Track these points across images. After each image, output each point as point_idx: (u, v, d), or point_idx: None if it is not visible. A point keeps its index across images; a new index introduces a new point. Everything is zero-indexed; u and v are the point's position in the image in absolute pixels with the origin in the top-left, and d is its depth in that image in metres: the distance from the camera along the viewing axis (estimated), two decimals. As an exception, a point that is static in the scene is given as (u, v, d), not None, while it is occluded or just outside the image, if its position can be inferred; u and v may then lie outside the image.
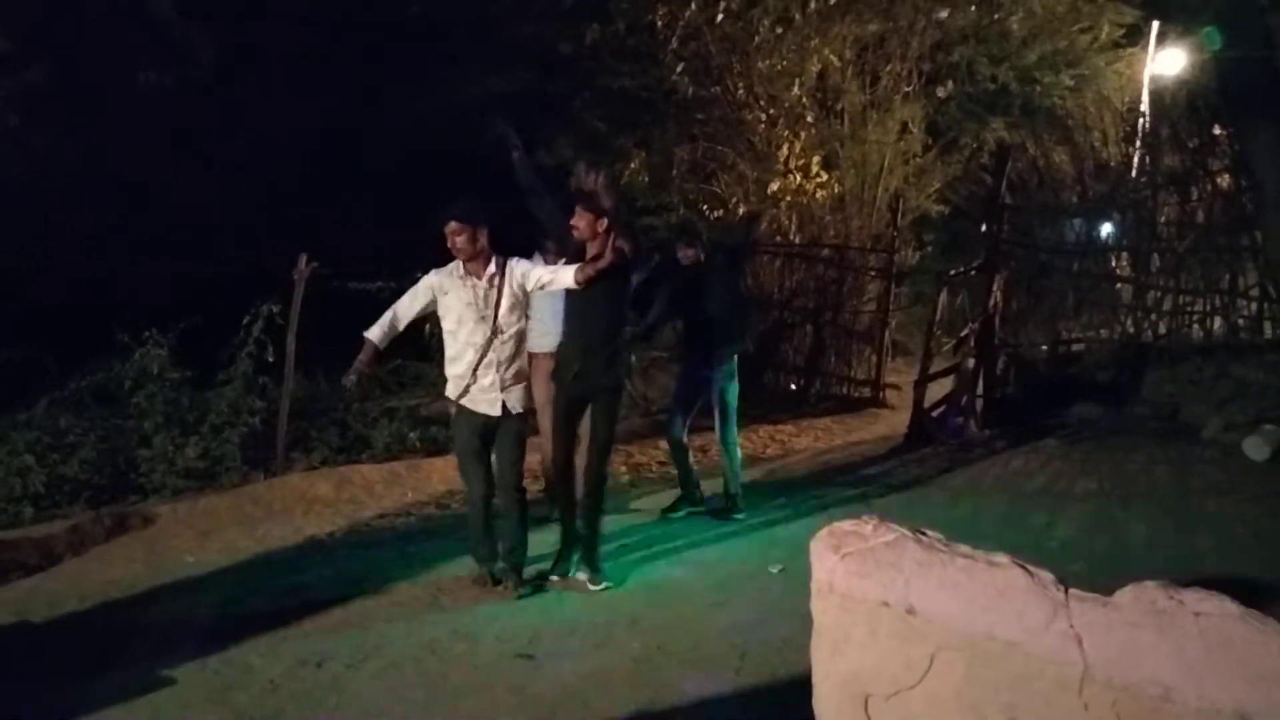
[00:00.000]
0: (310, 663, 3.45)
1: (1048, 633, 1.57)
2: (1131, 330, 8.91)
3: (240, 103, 11.00)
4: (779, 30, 10.72)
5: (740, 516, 5.48)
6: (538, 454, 5.59)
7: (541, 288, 4.20)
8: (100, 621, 3.90)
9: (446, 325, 4.19)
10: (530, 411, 4.45)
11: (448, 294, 4.13)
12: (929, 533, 1.84)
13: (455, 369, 4.18)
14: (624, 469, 7.05)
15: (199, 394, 6.15)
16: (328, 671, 3.39)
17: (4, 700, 3.15)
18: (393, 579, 4.39)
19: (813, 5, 10.56)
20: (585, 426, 4.40)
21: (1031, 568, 1.67)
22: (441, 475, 6.31)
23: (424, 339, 6.87)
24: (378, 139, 12.06)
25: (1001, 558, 1.71)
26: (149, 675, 3.29)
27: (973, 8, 11.19)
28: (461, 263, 4.12)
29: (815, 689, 1.89)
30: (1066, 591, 1.61)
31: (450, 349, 4.20)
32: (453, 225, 4.05)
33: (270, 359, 6.18)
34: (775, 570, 4.54)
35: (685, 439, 5.54)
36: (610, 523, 5.39)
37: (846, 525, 1.92)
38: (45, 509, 5.22)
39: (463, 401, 4.15)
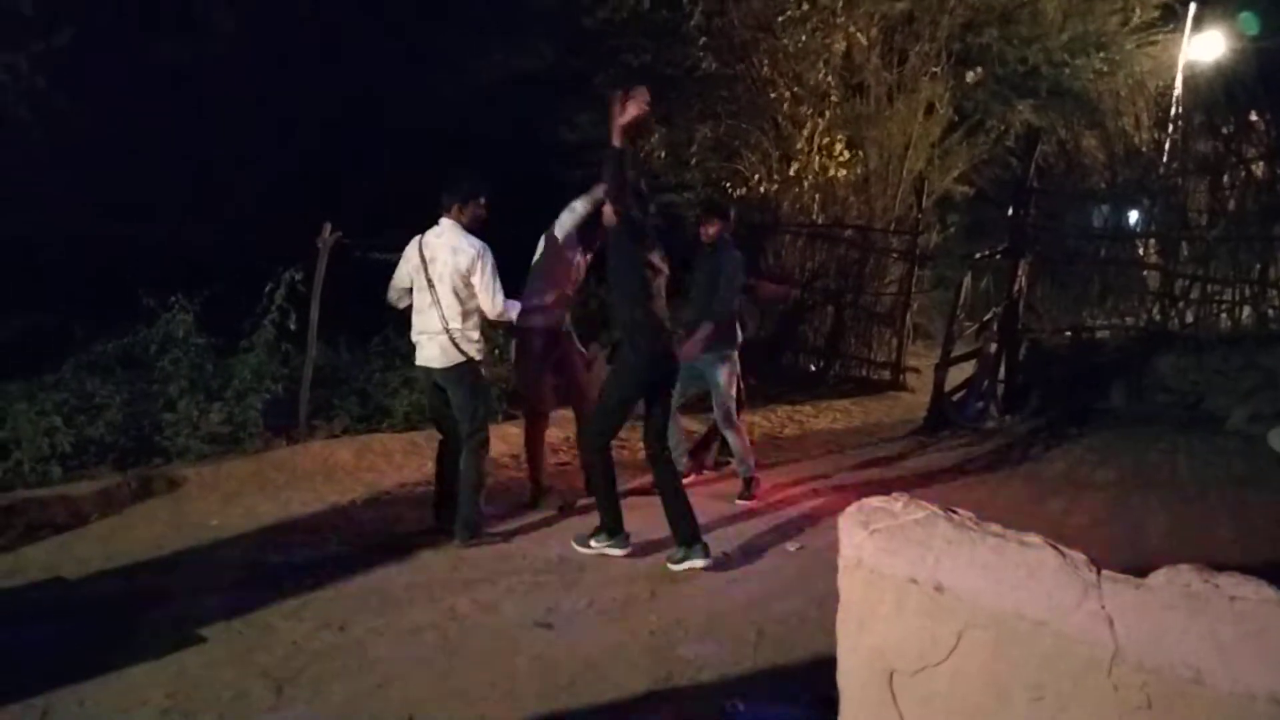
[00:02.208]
0: (333, 626, 3.50)
1: (1078, 613, 1.56)
2: (1158, 318, 8.79)
3: (263, 76, 11.02)
4: (805, 7, 10.59)
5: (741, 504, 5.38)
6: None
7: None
8: (128, 580, 3.96)
9: (495, 294, 4.35)
10: None
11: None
12: (959, 511, 1.84)
13: (478, 331, 4.43)
14: (641, 443, 7.07)
15: (223, 360, 6.21)
16: (350, 635, 3.43)
17: (36, 655, 3.22)
18: (414, 547, 4.43)
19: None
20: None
21: (1063, 548, 1.66)
22: (459, 447, 6.34)
23: None
24: (401, 112, 12.06)
25: (1033, 537, 1.70)
26: (176, 634, 3.35)
27: (1006, -14, 11.03)
28: (470, 231, 4.38)
29: (840, 663, 1.90)
30: (1098, 572, 1.60)
31: (475, 311, 4.38)
32: (485, 200, 4.37)
33: (293, 327, 6.23)
34: (792, 548, 4.55)
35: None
36: (630, 496, 5.43)
37: (876, 501, 1.91)
38: (73, 469, 5.30)
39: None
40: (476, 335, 4.39)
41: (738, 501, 5.35)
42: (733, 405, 5.43)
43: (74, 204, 8.63)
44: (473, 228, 4.37)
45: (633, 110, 3.96)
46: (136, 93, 9.63)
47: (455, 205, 4.35)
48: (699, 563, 4.12)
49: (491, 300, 4.30)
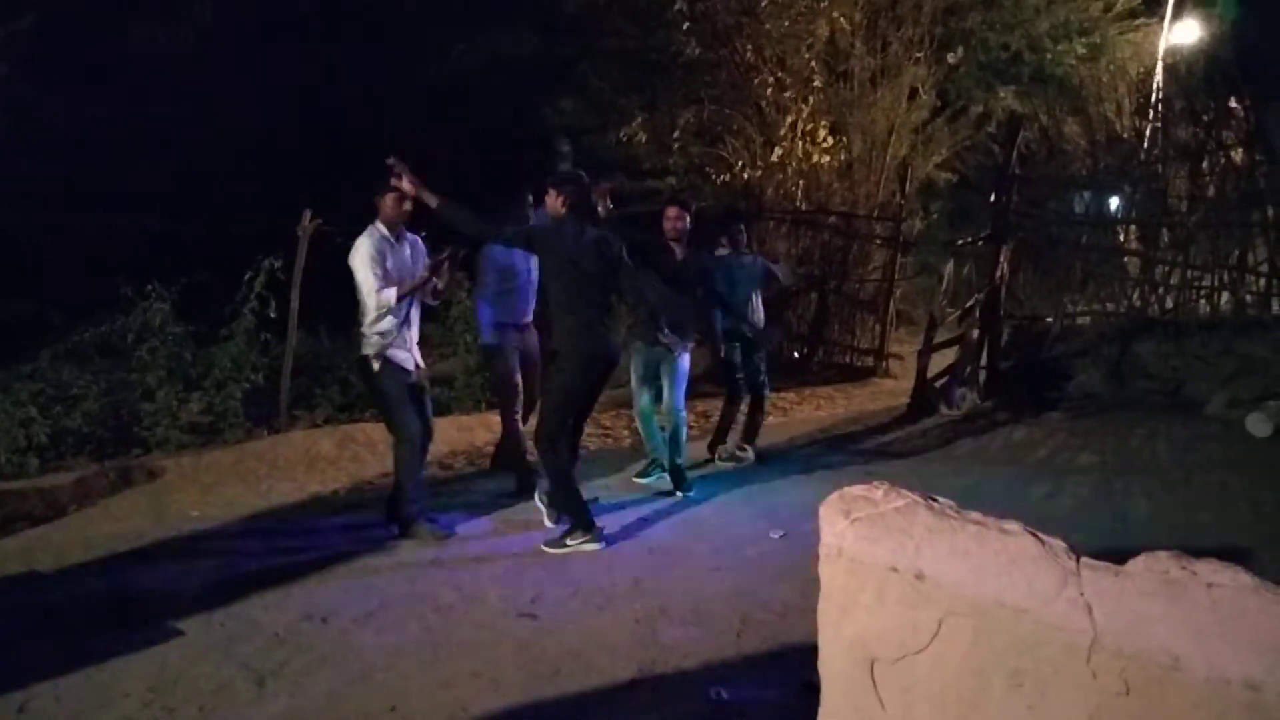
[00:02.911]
0: (315, 617, 3.48)
1: (1058, 600, 1.56)
2: (1138, 304, 8.86)
3: (240, 62, 10.88)
4: (788, -9, 10.55)
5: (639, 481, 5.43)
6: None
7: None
8: (107, 573, 3.93)
9: (381, 284, 4.24)
10: None
11: (388, 256, 4.30)
12: (940, 499, 1.84)
13: (386, 324, 4.30)
14: (626, 433, 7.07)
15: (202, 349, 6.15)
16: (332, 626, 3.42)
17: (13, 649, 3.19)
18: (397, 537, 4.41)
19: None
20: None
21: (1043, 536, 1.67)
22: (444, 435, 6.31)
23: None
24: (380, 98, 11.95)
25: (1013, 525, 1.70)
26: (156, 627, 3.32)
27: (988, -30, 11.03)
28: (387, 226, 4.33)
29: (821, 652, 1.90)
30: (1078, 560, 1.60)
31: (384, 305, 4.27)
32: (398, 191, 4.28)
33: (273, 315, 6.18)
34: (776, 536, 4.56)
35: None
36: (613, 486, 5.44)
37: (857, 490, 1.91)
38: (50, 460, 5.24)
39: (389, 354, 4.31)
40: (373, 333, 4.27)
41: (635, 479, 5.46)
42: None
43: (49, 192, 8.51)
44: (397, 222, 4.35)
45: (407, 185, 4.19)
46: (108, 80, 9.48)
47: (376, 201, 4.35)
48: (589, 547, 4.28)
49: (366, 296, 4.24)
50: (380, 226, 4.32)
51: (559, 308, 4.34)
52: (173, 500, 4.92)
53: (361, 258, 4.24)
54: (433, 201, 4.18)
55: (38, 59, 8.28)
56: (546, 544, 4.30)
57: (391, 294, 4.24)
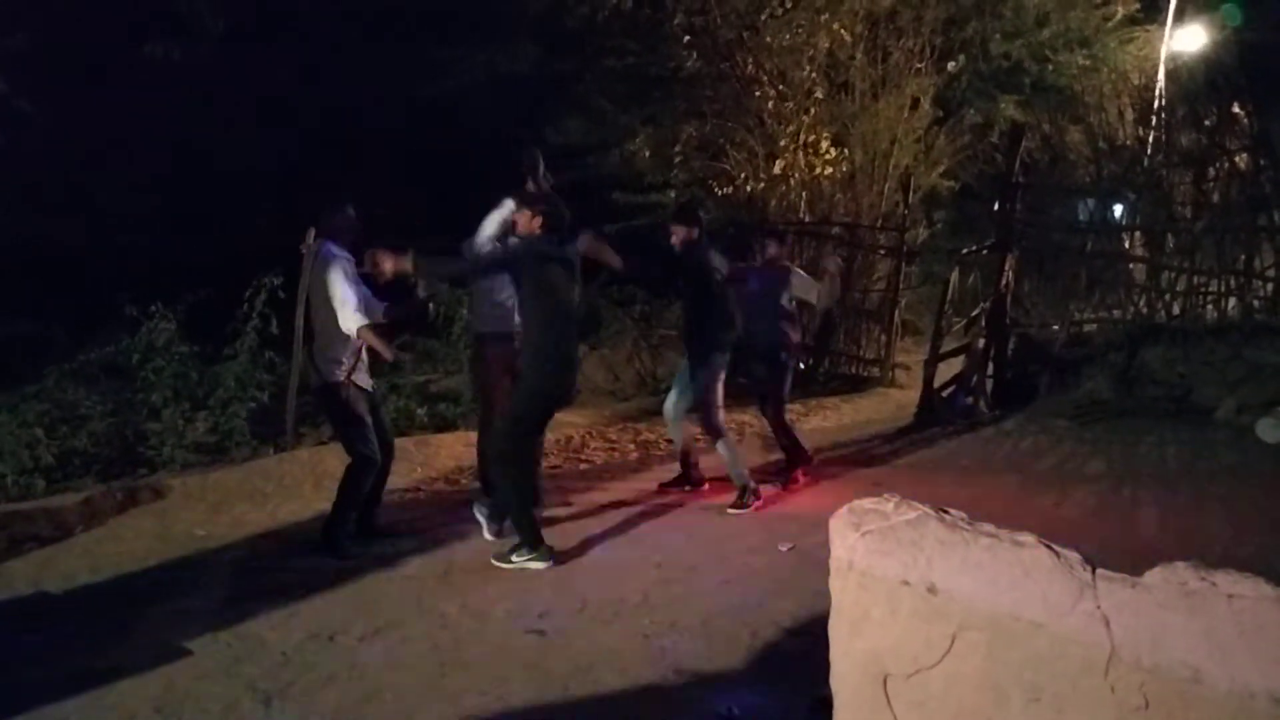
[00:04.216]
0: (322, 636, 3.46)
1: (1074, 613, 1.54)
2: (1144, 311, 8.81)
3: (247, 78, 10.94)
4: (789, 4, 10.60)
5: (733, 513, 5.17)
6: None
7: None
8: (114, 593, 3.92)
9: (342, 305, 4.26)
10: None
11: (350, 275, 4.33)
12: (952, 511, 1.81)
13: (349, 347, 4.32)
14: (632, 446, 7.05)
15: (208, 368, 6.16)
16: (339, 645, 3.39)
17: (20, 669, 3.17)
18: (404, 554, 4.40)
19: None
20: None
21: (1057, 547, 1.64)
22: (450, 451, 6.31)
23: (431, 316, 6.90)
24: (385, 115, 12.00)
25: (1026, 537, 1.68)
26: (162, 647, 3.30)
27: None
28: (343, 247, 4.39)
29: (833, 667, 1.87)
30: (1094, 572, 1.58)
31: (341, 328, 4.28)
32: (352, 211, 4.37)
33: (276, 333, 6.19)
34: (784, 548, 4.53)
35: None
36: (620, 500, 5.42)
37: (867, 503, 1.88)
38: (56, 481, 5.24)
39: (354, 378, 4.34)
40: (333, 355, 4.27)
41: (729, 510, 5.16)
42: (716, 412, 5.19)
43: (52, 209, 8.54)
44: (344, 240, 4.41)
45: (388, 269, 4.18)
46: (116, 96, 9.52)
47: (331, 223, 4.45)
48: (535, 565, 4.19)
49: (340, 309, 4.23)
50: (338, 249, 4.38)
51: (530, 327, 4.27)
52: (179, 520, 4.91)
53: (338, 274, 4.25)
54: (410, 267, 4.19)
55: (41, 74, 8.31)
56: (495, 558, 4.25)
57: (359, 321, 4.23)
